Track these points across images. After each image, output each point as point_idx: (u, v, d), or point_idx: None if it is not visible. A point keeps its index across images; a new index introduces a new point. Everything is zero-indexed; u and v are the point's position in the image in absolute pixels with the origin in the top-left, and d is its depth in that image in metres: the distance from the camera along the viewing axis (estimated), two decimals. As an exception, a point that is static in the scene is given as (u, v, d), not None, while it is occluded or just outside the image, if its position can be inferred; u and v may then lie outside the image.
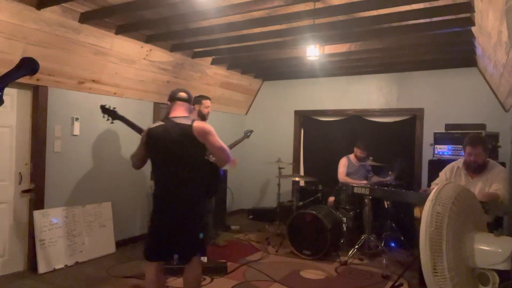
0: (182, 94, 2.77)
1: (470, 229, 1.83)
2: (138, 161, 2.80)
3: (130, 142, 4.80)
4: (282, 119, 6.77)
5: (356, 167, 5.29)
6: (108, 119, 3.74)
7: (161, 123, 2.70)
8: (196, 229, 2.62)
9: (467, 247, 1.80)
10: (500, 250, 1.73)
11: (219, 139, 2.68)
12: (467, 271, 1.80)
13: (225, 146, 2.69)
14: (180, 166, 2.61)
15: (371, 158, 4.91)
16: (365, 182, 4.93)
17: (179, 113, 2.72)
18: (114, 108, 3.74)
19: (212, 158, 2.81)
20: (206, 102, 4.22)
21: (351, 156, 5.35)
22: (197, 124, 2.64)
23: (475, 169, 3.29)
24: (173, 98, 2.77)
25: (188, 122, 2.63)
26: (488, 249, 1.78)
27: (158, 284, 2.70)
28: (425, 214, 1.79)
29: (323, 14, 3.43)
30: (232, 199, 6.55)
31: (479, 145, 3.23)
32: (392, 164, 4.87)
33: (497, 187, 3.13)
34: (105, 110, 3.72)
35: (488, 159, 3.34)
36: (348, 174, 5.23)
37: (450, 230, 1.75)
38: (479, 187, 3.23)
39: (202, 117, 4.15)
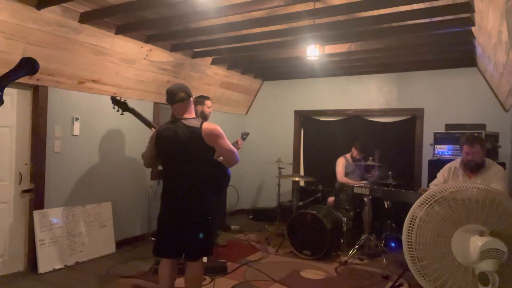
0: (181, 95, 2.69)
1: (469, 228, 1.84)
2: (147, 160, 2.87)
3: (131, 142, 4.81)
4: (282, 119, 6.77)
5: (353, 167, 5.30)
6: (118, 110, 3.73)
7: (169, 124, 2.71)
8: (202, 229, 2.63)
9: (454, 246, 1.82)
10: (471, 250, 1.74)
11: (228, 142, 2.69)
12: (459, 268, 1.81)
13: (234, 149, 2.70)
14: (187, 167, 2.63)
15: (371, 158, 4.91)
16: (363, 182, 4.93)
17: (186, 114, 2.72)
18: (125, 100, 3.74)
19: (219, 158, 2.82)
20: (208, 102, 4.34)
21: (348, 155, 5.37)
22: (206, 126, 2.64)
23: (473, 168, 3.30)
24: (172, 101, 2.69)
25: (197, 123, 2.64)
26: (466, 248, 1.78)
27: (170, 282, 2.72)
28: (410, 211, 1.90)
29: (323, 14, 3.43)
30: (238, 197, 6.56)
31: (476, 143, 3.25)
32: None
33: (496, 187, 3.13)
34: (115, 101, 3.71)
35: (485, 158, 3.35)
36: (346, 174, 5.24)
37: (426, 231, 1.80)
38: None
39: (205, 117, 4.20)
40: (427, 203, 1.90)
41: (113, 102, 3.70)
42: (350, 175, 5.25)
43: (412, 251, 1.85)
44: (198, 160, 2.64)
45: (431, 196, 1.91)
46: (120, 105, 3.70)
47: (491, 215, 1.85)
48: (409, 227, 1.91)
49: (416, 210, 1.93)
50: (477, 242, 1.73)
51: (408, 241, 1.89)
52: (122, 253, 4.44)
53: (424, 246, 1.83)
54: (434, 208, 1.89)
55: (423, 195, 1.97)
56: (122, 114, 3.74)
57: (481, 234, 1.77)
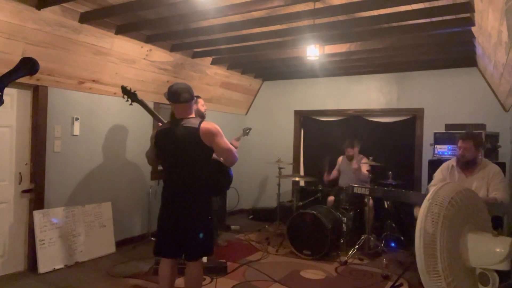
0: (185, 96, 2.69)
1: (469, 229, 1.83)
2: (151, 160, 2.96)
3: (131, 142, 4.81)
4: (282, 119, 6.77)
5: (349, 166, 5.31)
6: (127, 100, 3.72)
7: (168, 125, 2.73)
8: (202, 229, 2.63)
9: (464, 247, 1.81)
10: (497, 250, 1.74)
11: (226, 140, 2.69)
12: (465, 271, 1.80)
13: (231, 147, 2.71)
14: (186, 167, 2.64)
15: (371, 158, 4.91)
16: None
17: (186, 114, 2.72)
18: (135, 91, 3.73)
19: (220, 158, 2.83)
20: (201, 101, 4.34)
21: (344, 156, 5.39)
22: (204, 125, 2.64)
23: (465, 164, 3.30)
24: (176, 100, 2.68)
25: (195, 123, 2.64)
26: (484, 250, 1.78)
27: (170, 282, 2.73)
28: (422, 213, 1.81)
29: (323, 14, 3.43)
30: (238, 199, 6.56)
31: (469, 139, 3.26)
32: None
33: (495, 191, 3.13)
34: (125, 91, 3.70)
35: (481, 157, 3.34)
36: (340, 173, 5.32)
37: (445, 230, 1.76)
38: (474, 186, 3.23)
39: (202, 115, 4.19)
40: (438, 206, 1.84)
41: (123, 92, 3.69)
42: (344, 174, 5.27)
43: (430, 261, 1.79)
44: (197, 160, 2.65)
45: (442, 201, 1.85)
46: (130, 95, 3.69)
47: (477, 216, 1.88)
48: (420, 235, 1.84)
49: (431, 207, 1.85)
50: (504, 243, 1.74)
51: (425, 253, 1.81)
52: (122, 253, 4.44)
53: (442, 254, 1.79)
54: (437, 210, 1.85)
55: (429, 198, 1.89)
56: (131, 104, 3.73)
57: (496, 235, 1.78)
